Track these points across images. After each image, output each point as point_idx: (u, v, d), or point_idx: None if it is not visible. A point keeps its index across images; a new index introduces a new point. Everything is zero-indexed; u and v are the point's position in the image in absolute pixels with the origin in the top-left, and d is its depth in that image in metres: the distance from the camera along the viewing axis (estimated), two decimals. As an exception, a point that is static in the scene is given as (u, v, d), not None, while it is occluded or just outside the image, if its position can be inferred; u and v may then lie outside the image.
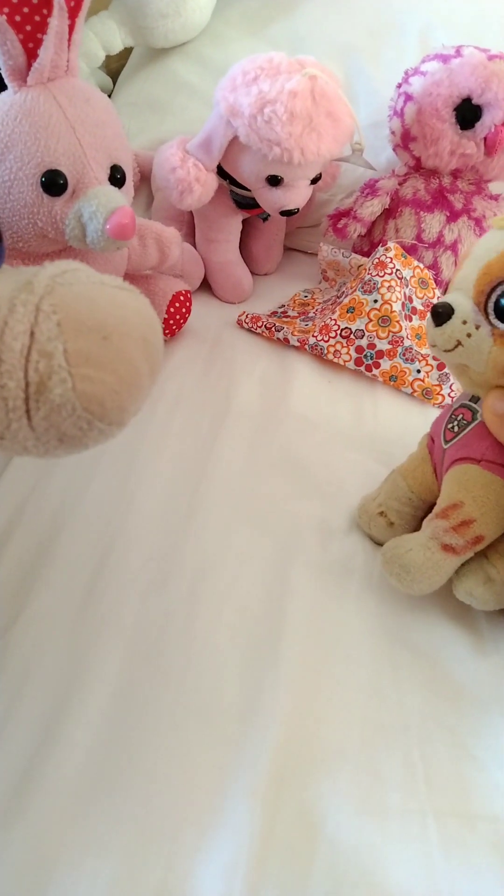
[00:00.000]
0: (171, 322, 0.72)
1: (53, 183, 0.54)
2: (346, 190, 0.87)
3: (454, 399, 0.50)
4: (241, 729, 0.41)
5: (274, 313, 0.81)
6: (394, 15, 0.92)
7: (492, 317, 0.38)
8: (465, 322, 0.39)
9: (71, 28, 0.54)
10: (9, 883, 0.35)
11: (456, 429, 0.46)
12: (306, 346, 0.73)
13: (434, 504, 0.46)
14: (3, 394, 0.26)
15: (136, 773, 0.39)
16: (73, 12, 0.53)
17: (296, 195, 0.71)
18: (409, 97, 0.75)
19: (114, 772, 0.39)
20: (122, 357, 0.27)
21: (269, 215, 0.81)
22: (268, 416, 0.66)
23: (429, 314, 0.42)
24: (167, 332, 0.72)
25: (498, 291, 0.37)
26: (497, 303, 0.37)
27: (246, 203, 0.78)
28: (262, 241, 0.88)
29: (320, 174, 0.73)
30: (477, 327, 0.39)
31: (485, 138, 0.73)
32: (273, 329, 0.75)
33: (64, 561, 0.50)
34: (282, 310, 0.82)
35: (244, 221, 0.84)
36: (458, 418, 0.46)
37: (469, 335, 0.39)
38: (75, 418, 0.26)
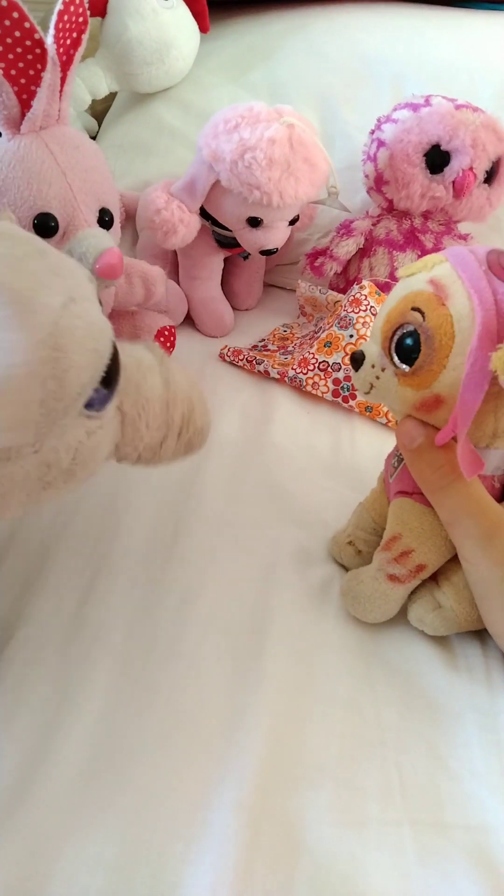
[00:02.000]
0: (157, 355, 0.75)
1: (45, 225, 0.56)
2: (323, 230, 0.91)
3: None
4: (226, 744, 0.43)
5: (255, 347, 0.84)
6: (368, 64, 0.96)
7: (394, 357, 0.41)
8: (373, 366, 0.42)
9: (63, 80, 0.57)
10: (1, 898, 0.36)
11: (396, 464, 0.48)
12: (286, 379, 0.75)
13: None
14: (170, 422, 0.39)
15: (125, 788, 0.41)
16: (66, 66, 0.56)
17: (275, 236, 0.75)
18: (381, 143, 0.79)
19: (102, 788, 0.41)
20: (206, 400, 0.42)
21: (249, 254, 0.84)
22: (249, 446, 0.68)
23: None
24: (152, 365, 0.75)
25: (397, 335, 0.40)
26: (397, 345, 0.40)
27: (227, 242, 0.81)
28: (242, 278, 0.91)
29: (298, 216, 0.76)
30: (383, 370, 0.42)
31: (453, 182, 0.77)
32: (254, 362, 0.78)
33: (53, 585, 0.52)
34: (262, 343, 0.85)
35: (225, 259, 0.87)
36: (399, 454, 0.49)
37: (378, 377, 0.42)
38: (202, 436, 0.42)
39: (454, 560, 0.46)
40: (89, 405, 0.33)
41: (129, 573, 0.54)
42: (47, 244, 0.34)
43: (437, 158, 0.76)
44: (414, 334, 0.39)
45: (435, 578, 0.48)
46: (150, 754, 0.42)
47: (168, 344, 0.76)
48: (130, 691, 0.46)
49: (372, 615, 0.49)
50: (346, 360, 0.72)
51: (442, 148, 0.75)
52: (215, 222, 0.78)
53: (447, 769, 0.43)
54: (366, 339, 0.72)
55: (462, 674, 0.48)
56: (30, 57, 0.53)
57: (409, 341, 0.40)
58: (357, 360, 0.44)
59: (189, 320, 0.89)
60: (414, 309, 0.39)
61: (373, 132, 0.82)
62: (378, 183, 0.81)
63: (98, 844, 0.38)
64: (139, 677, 0.46)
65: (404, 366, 0.40)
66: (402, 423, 0.43)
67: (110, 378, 0.33)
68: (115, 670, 0.47)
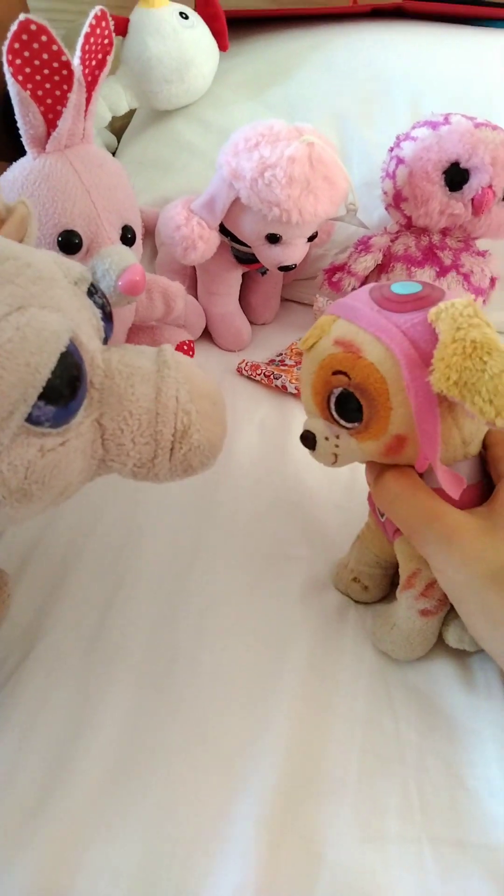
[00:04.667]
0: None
1: (69, 243, 0.57)
2: (341, 246, 0.91)
3: None
4: (247, 758, 0.43)
5: (272, 361, 0.85)
6: (386, 82, 0.97)
7: (341, 421, 0.41)
8: (327, 438, 0.42)
9: (88, 100, 0.58)
10: (23, 908, 0.36)
11: None
12: (303, 395, 0.76)
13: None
14: (157, 437, 0.36)
15: (146, 800, 0.41)
16: (91, 87, 0.58)
17: (293, 252, 0.76)
18: (400, 160, 0.80)
19: (124, 799, 0.41)
20: (222, 416, 0.39)
21: (267, 270, 0.85)
22: (268, 461, 0.69)
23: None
24: (171, 379, 0.76)
25: (332, 402, 0.41)
26: (336, 409, 0.41)
27: (246, 258, 0.82)
28: (260, 294, 0.92)
29: (316, 232, 0.77)
30: (337, 437, 0.42)
31: (472, 199, 0.77)
32: (272, 377, 0.79)
33: (74, 597, 0.53)
34: (279, 358, 0.85)
35: (244, 275, 0.88)
36: None
37: (337, 446, 0.42)
38: (201, 455, 0.38)
39: None
40: (36, 422, 0.32)
41: (150, 585, 0.54)
42: (16, 248, 0.34)
43: (456, 176, 0.76)
44: (347, 394, 0.39)
45: None
46: (172, 766, 0.43)
47: (187, 358, 0.76)
48: (151, 704, 0.46)
49: (416, 653, 0.48)
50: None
51: (461, 166, 0.76)
52: (234, 238, 0.79)
53: (466, 788, 0.43)
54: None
55: (480, 691, 0.48)
56: (57, 78, 0.54)
57: (347, 402, 0.40)
58: (308, 439, 0.43)
59: (207, 334, 0.89)
60: (336, 373, 0.40)
61: (392, 150, 0.82)
62: (396, 200, 0.81)
63: (119, 856, 0.39)
64: (160, 690, 0.47)
65: (354, 424, 0.40)
66: (368, 466, 0.44)
67: (58, 393, 0.32)
68: (136, 682, 0.47)
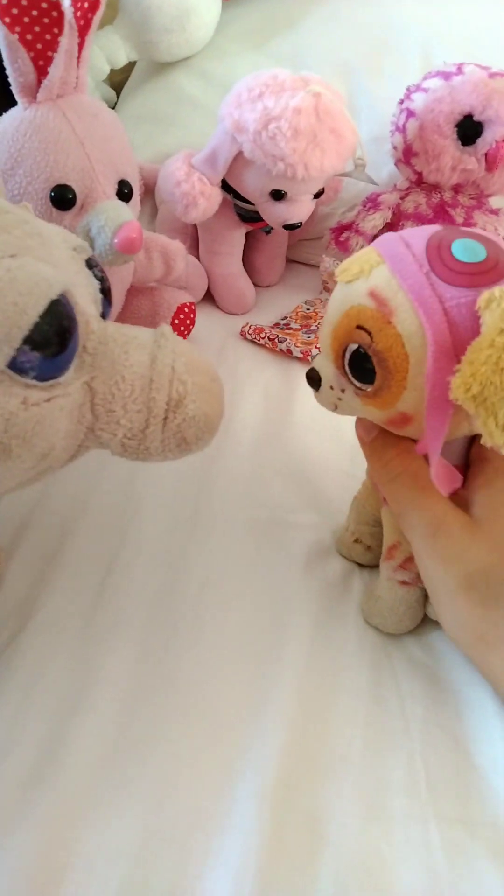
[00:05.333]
0: (176, 333, 0.73)
1: (63, 198, 0.55)
2: (348, 203, 0.88)
3: None
4: (249, 734, 0.42)
5: (276, 325, 0.82)
6: (394, 31, 0.93)
7: (351, 377, 0.38)
8: (332, 388, 0.39)
9: (80, 46, 0.55)
10: (19, 889, 0.35)
11: None
12: (309, 358, 0.74)
13: None
14: (150, 404, 0.35)
15: (146, 777, 0.40)
16: (83, 31, 0.54)
17: (299, 209, 0.73)
18: (410, 113, 0.77)
19: (122, 777, 0.40)
20: (220, 392, 0.38)
21: (272, 228, 0.82)
22: (271, 426, 0.67)
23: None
24: (171, 342, 0.74)
25: (348, 354, 0.37)
26: (350, 365, 0.37)
27: (249, 216, 0.79)
28: (264, 254, 0.89)
29: (323, 189, 0.74)
30: (343, 390, 0.39)
31: (486, 154, 0.74)
32: (276, 340, 0.76)
33: (72, 567, 0.51)
34: (284, 321, 0.83)
35: (247, 234, 0.85)
36: None
37: (340, 399, 0.40)
38: (196, 428, 0.36)
39: None
40: (21, 370, 0.31)
41: (149, 555, 0.53)
42: (17, 208, 0.34)
43: (469, 129, 0.73)
44: (365, 354, 0.36)
45: None
46: (171, 742, 0.42)
47: (188, 321, 0.74)
48: (150, 677, 0.45)
49: (404, 624, 0.47)
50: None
51: (475, 118, 0.73)
52: (237, 195, 0.76)
53: (472, 765, 0.41)
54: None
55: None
56: (46, 21, 0.51)
57: (362, 362, 0.36)
58: (314, 379, 0.40)
59: (209, 297, 0.87)
60: (359, 328, 0.36)
61: (402, 102, 0.79)
62: (407, 155, 0.78)
63: (117, 834, 0.37)
64: (159, 663, 0.45)
65: (364, 386, 0.37)
66: (359, 419, 0.41)
67: (45, 340, 0.31)
68: (135, 655, 0.46)
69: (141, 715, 0.43)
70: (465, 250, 0.34)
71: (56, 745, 0.41)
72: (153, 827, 0.38)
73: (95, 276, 0.37)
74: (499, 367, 0.31)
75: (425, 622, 0.49)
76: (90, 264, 0.37)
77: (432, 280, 0.34)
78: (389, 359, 0.35)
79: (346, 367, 0.38)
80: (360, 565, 0.53)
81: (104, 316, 0.38)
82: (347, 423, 0.67)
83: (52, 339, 0.31)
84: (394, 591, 0.46)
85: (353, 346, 0.36)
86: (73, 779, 0.39)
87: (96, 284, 0.37)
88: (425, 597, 0.47)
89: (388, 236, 0.37)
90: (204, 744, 0.42)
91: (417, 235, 0.36)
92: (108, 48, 0.92)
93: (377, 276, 0.35)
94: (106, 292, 0.38)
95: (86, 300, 0.35)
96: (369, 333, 0.35)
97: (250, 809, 0.38)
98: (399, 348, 0.34)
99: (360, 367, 0.37)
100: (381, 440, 0.40)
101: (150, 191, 0.88)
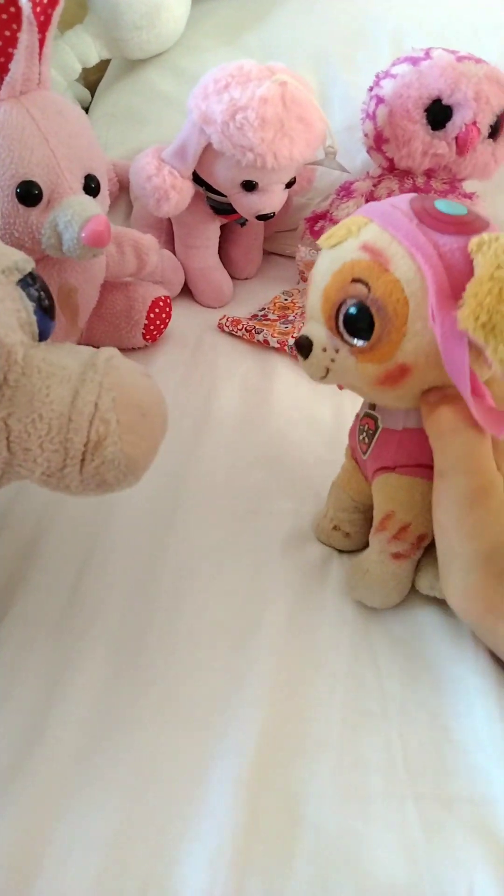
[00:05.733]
0: (152, 327, 0.73)
1: (28, 194, 0.55)
2: (323, 193, 0.88)
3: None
4: (225, 719, 0.42)
5: (254, 316, 0.82)
6: (366, 21, 0.94)
7: (345, 336, 0.38)
8: (325, 350, 0.40)
9: (41, 42, 0.55)
10: (-2, 876, 0.35)
11: (367, 440, 0.46)
12: (286, 348, 0.74)
13: None
14: (67, 445, 0.33)
15: (122, 765, 0.40)
16: (43, 27, 0.54)
17: (271, 199, 0.73)
18: (380, 100, 0.77)
19: (99, 765, 0.40)
20: (152, 430, 0.36)
21: (246, 220, 0.82)
22: (249, 417, 0.67)
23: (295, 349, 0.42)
24: (148, 336, 0.74)
25: (342, 313, 0.38)
26: (345, 322, 0.38)
27: (223, 209, 0.79)
28: (240, 246, 0.89)
29: (294, 178, 0.74)
30: (336, 351, 0.39)
31: (456, 138, 0.74)
32: (253, 332, 0.76)
33: (48, 561, 0.51)
34: (262, 313, 0.83)
35: (222, 227, 0.85)
36: (365, 428, 0.46)
37: (333, 360, 0.40)
38: (116, 471, 0.34)
39: None
40: None
41: (127, 545, 0.53)
42: None
43: (438, 113, 0.73)
44: (361, 307, 0.37)
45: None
46: (148, 730, 0.41)
47: (164, 315, 0.74)
48: (127, 667, 0.45)
49: (390, 599, 0.47)
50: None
51: (443, 102, 0.73)
52: (209, 188, 0.76)
53: (451, 740, 0.41)
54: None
55: (466, 639, 0.46)
56: (4, 17, 0.51)
57: (359, 316, 0.37)
58: (303, 345, 0.40)
59: (186, 291, 0.87)
60: (355, 280, 0.37)
61: (371, 89, 0.79)
62: (378, 142, 0.78)
63: (94, 823, 0.37)
64: (136, 653, 0.45)
65: (360, 342, 0.37)
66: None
67: None
68: (112, 645, 0.46)
69: (118, 703, 0.43)
70: (447, 206, 0.37)
71: (33, 736, 0.41)
72: (131, 814, 0.38)
73: (31, 295, 0.35)
74: (502, 298, 0.32)
75: (408, 596, 0.48)
76: (27, 283, 0.36)
77: (423, 229, 0.36)
78: (389, 305, 0.36)
79: (341, 325, 0.38)
80: (340, 551, 0.53)
81: (44, 334, 0.36)
82: (323, 412, 0.68)
83: None
84: (384, 564, 0.45)
85: (349, 302, 0.37)
86: (51, 769, 0.39)
87: (31, 305, 0.35)
88: (415, 569, 0.47)
89: (372, 203, 0.39)
90: (181, 730, 0.41)
91: (398, 200, 0.38)
92: (79, 47, 0.91)
93: (368, 232, 0.37)
94: (47, 309, 0.36)
95: (10, 328, 0.33)
96: (366, 284, 0.36)
97: (227, 793, 0.38)
98: (399, 293, 0.35)
99: (357, 321, 0.37)
100: (437, 393, 0.39)
101: (124, 188, 0.87)
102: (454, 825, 0.38)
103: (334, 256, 0.38)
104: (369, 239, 0.37)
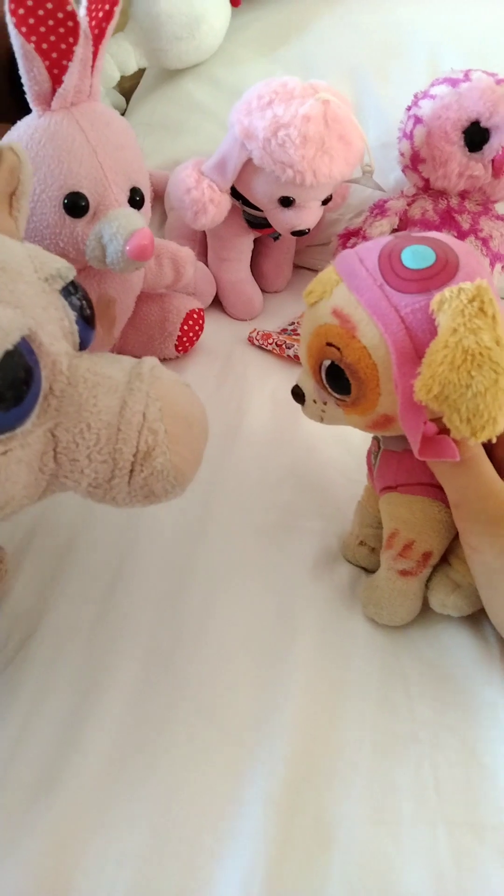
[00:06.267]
0: (185, 339, 0.74)
1: (75, 205, 0.55)
2: (355, 209, 0.88)
3: None
4: (257, 736, 0.42)
5: (284, 330, 0.83)
6: (402, 36, 0.93)
7: (330, 390, 0.40)
8: (315, 401, 0.42)
9: (94, 55, 0.55)
10: (28, 890, 0.35)
11: (375, 459, 0.47)
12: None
13: None
14: (116, 456, 0.33)
15: (155, 780, 0.40)
16: (98, 40, 0.55)
17: (307, 216, 0.73)
18: (418, 120, 0.77)
19: (132, 779, 0.40)
20: (198, 441, 0.35)
21: (279, 235, 0.83)
22: (279, 432, 0.67)
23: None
24: (180, 348, 0.74)
25: (323, 370, 0.39)
26: (326, 379, 0.40)
27: (258, 223, 0.79)
28: (272, 260, 0.90)
29: (331, 195, 0.74)
30: (325, 403, 0.41)
31: (493, 160, 0.74)
32: (283, 346, 0.77)
33: (80, 573, 0.52)
34: (291, 327, 0.83)
35: (255, 240, 0.86)
36: (372, 449, 0.48)
37: (324, 410, 0.42)
38: (164, 482, 0.33)
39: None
40: None
41: (156, 561, 0.53)
42: None
43: (476, 136, 0.73)
44: (338, 368, 0.38)
45: (446, 559, 0.47)
46: (179, 746, 0.42)
47: (197, 327, 0.74)
48: (158, 682, 0.45)
49: (399, 616, 0.48)
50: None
51: (482, 125, 0.73)
52: (246, 202, 0.76)
53: (481, 766, 0.42)
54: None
55: (498, 664, 0.46)
56: (62, 30, 0.51)
57: (337, 375, 0.39)
58: (298, 394, 0.43)
59: (217, 302, 0.87)
60: (329, 344, 0.38)
61: (409, 108, 0.79)
62: (414, 161, 0.78)
63: (126, 838, 0.38)
64: (166, 667, 0.46)
65: (343, 397, 0.39)
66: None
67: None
68: (143, 659, 0.46)
69: (149, 719, 0.43)
70: (414, 256, 0.37)
71: (65, 751, 0.41)
72: (161, 830, 0.38)
73: (73, 305, 0.35)
74: (455, 366, 0.32)
75: (435, 618, 0.49)
76: (69, 292, 0.35)
77: (387, 291, 0.36)
78: (360, 370, 0.37)
79: (325, 381, 0.40)
80: (367, 570, 0.54)
81: (84, 343, 0.36)
82: (353, 430, 0.68)
83: (5, 394, 0.29)
84: (392, 581, 0.46)
85: (327, 362, 0.39)
86: (82, 783, 0.40)
87: (73, 315, 0.35)
88: (425, 589, 0.47)
89: (345, 254, 0.40)
90: (212, 748, 0.42)
91: (371, 249, 0.38)
92: (119, 55, 0.92)
93: (337, 295, 0.38)
94: (88, 319, 0.36)
95: (54, 337, 0.33)
96: (338, 349, 0.38)
97: (258, 813, 0.39)
98: (367, 359, 0.37)
99: (336, 380, 0.39)
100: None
101: (159, 197, 0.88)
102: (484, 851, 0.38)
103: (313, 316, 0.40)
104: (338, 304, 0.38)
